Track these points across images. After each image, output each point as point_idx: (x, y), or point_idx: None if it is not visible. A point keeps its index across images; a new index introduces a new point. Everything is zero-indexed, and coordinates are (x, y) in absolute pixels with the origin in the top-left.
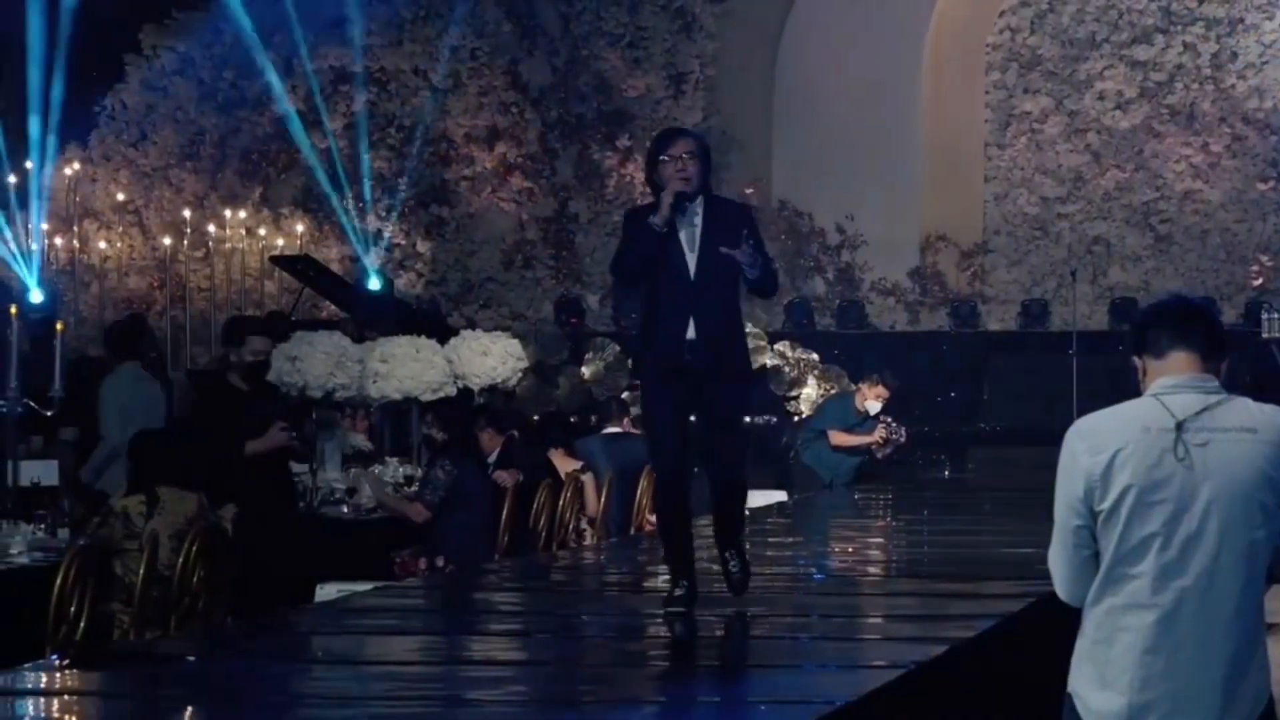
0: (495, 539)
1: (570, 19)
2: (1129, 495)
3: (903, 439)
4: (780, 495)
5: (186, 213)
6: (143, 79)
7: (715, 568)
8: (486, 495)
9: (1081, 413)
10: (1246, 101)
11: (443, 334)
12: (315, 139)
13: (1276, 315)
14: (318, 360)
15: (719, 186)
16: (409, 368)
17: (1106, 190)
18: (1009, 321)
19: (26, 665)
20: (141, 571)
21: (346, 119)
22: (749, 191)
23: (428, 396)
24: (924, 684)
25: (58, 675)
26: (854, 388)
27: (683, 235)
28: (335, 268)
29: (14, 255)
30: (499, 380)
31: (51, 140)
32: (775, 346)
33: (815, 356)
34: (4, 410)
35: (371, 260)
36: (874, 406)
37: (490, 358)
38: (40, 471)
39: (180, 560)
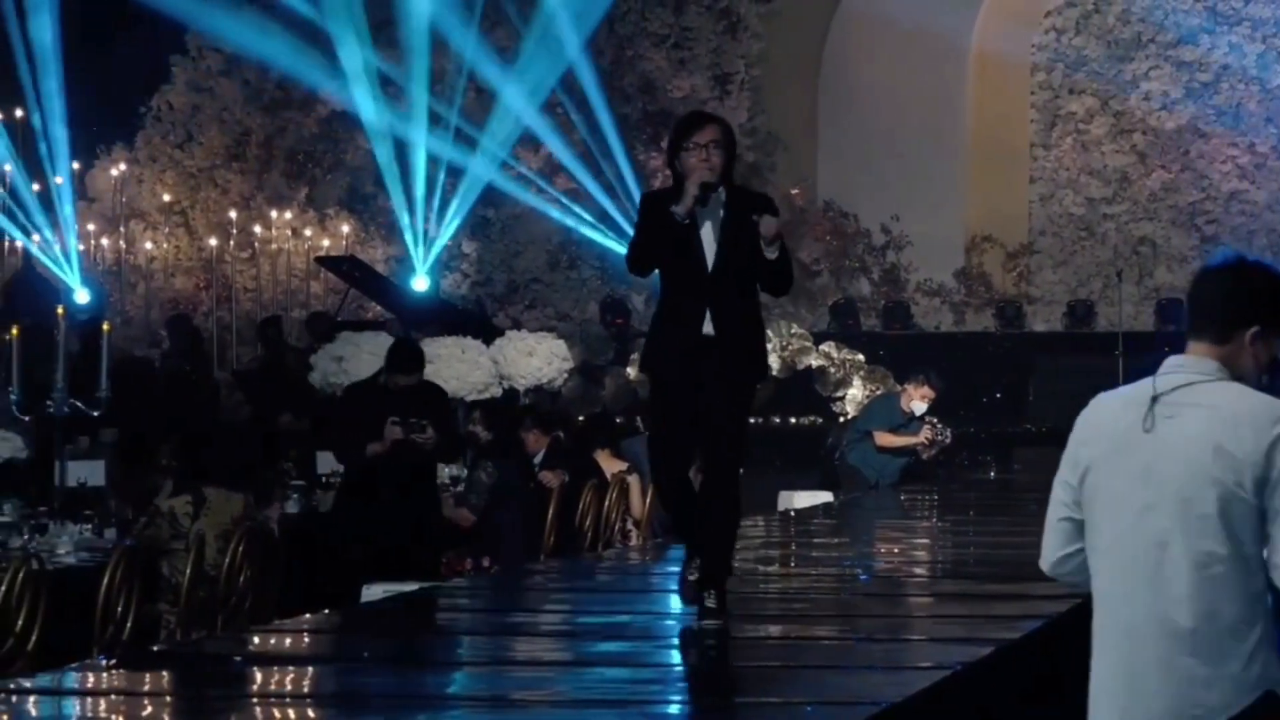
0: (541, 539)
1: (615, 19)
2: (1099, 464)
3: (948, 440)
4: (826, 496)
5: (232, 213)
6: (188, 80)
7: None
8: (531, 495)
9: None
10: None
11: (488, 334)
12: (361, 140)
13: None
14: (363, 361)
15: (764, 187)
16: (455, 368)
17: (1152, 191)
18: (1054, 322)
19: (73, 665)
20: (188, 572)
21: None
22: (794, 192)
23: (473, 397)
24: (969, 685)
25: (104, 675)
26: (900, 389)
27: (703, 226)
28: (380, 268)
29: (58, 257)
30: (544, 381)
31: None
32: (821, 347)
33: (861, 357)
34: (51, 411)
35: (421, 260)
36: (920, 407)
37: (536, 358)
38: (87, 472)
39: (227, 560)
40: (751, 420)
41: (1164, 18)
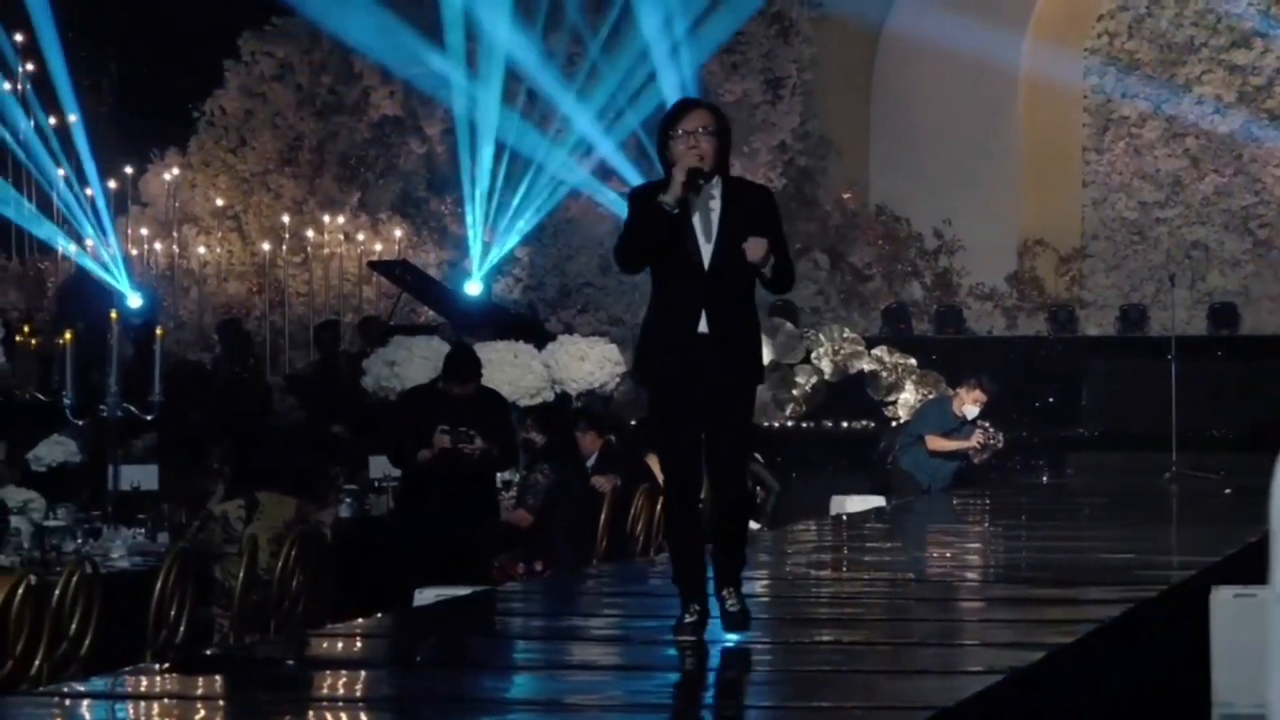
0: (593, 544)
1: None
2: None
3: (1000, 444)
4: (878, 500)
5: (285, 218)
6: (241, 84)
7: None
8: (585, 498)
9: (1180, 419)
10: None
11: (540, 339)
12: (413, 144)
13: None
14: (415, 365)
15: (815, 191)
16: (507, 372)
17: (1205, 195)
18: (1107, 327)
19: (126, 669)
20: (241, 576)
21: (444, 124)
22: (846, 196)
23: (526, 401)
24: (1021, 690)
25: (157, 679)
26: (952, 393)
27: (696, 220)
28: (433, 273)
29: (110, 261)
30: (596, 385)
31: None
32: (873, 351)
33: (913, 361)
34: (104, 415)
35: (473, 265)
36: (972, 411)
37: (588, 362)
38: (140, 476)
39: (279, 564)
40: (803, 425)
41: (1216, 21)
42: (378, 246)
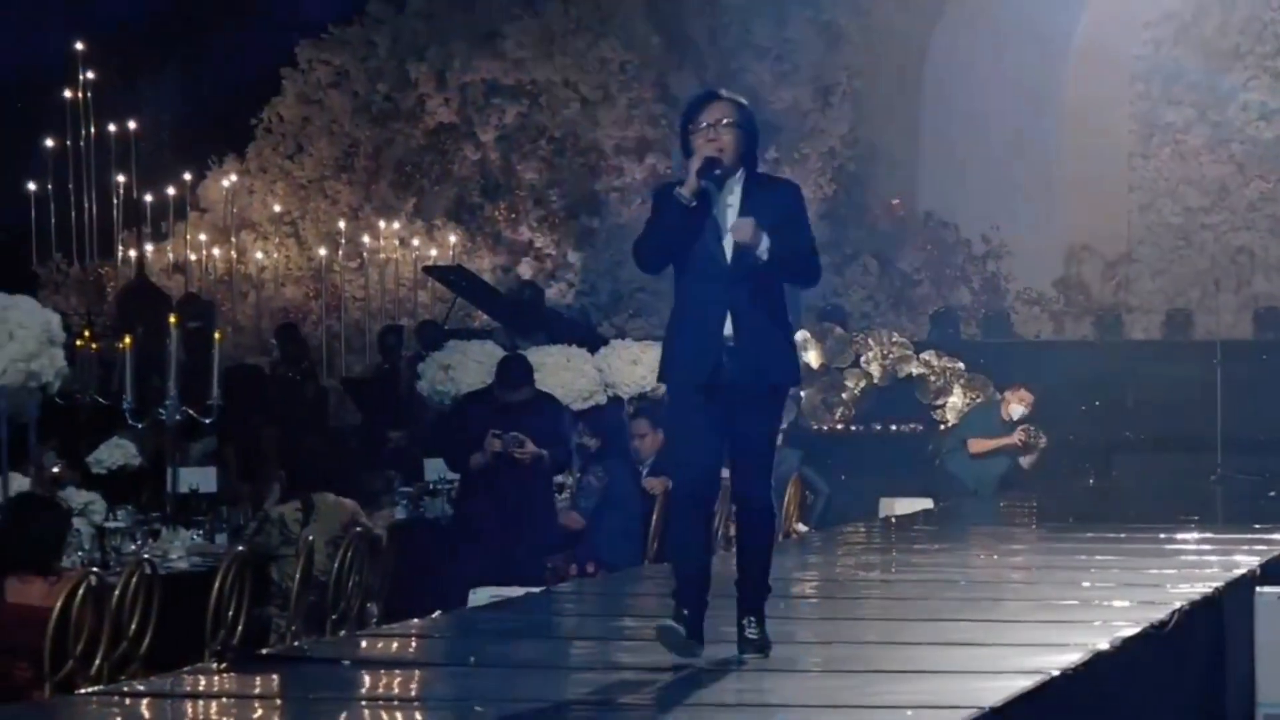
0: (645, 545)
1: (718, 32)
2: None
3: (1043, 442)
4: (926, 502)
5: (341, 224)
6: (298, 92)
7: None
8: (637, 501)
9: (1226, 421)
10: None
11: (593, 343)
12: (468, 150)
13: None
14: (470, 369)
15: (865, 197)
16: (560, 376)
17: (1250, 200)
18: (1153, 331)
19: (185, 668)
20: (298, 577)
21: (498, 130)
22: (895, 202)
23: (579, 405)
24: (1067, 690)
25: (215, 678)
26: (1000, 397)
27: (718, 217)
28: (487, 278)
29: (170, 267)
30: (649, 389)
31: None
32: (921, 355)
33: (961, 365)
34: (164, 418)
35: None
36: (1019, 412)
37: (640, 367)
38: (199, 478)
39: (335, 566)
40: (852, 428)
41: (1261, 29)
42: (432, 252)
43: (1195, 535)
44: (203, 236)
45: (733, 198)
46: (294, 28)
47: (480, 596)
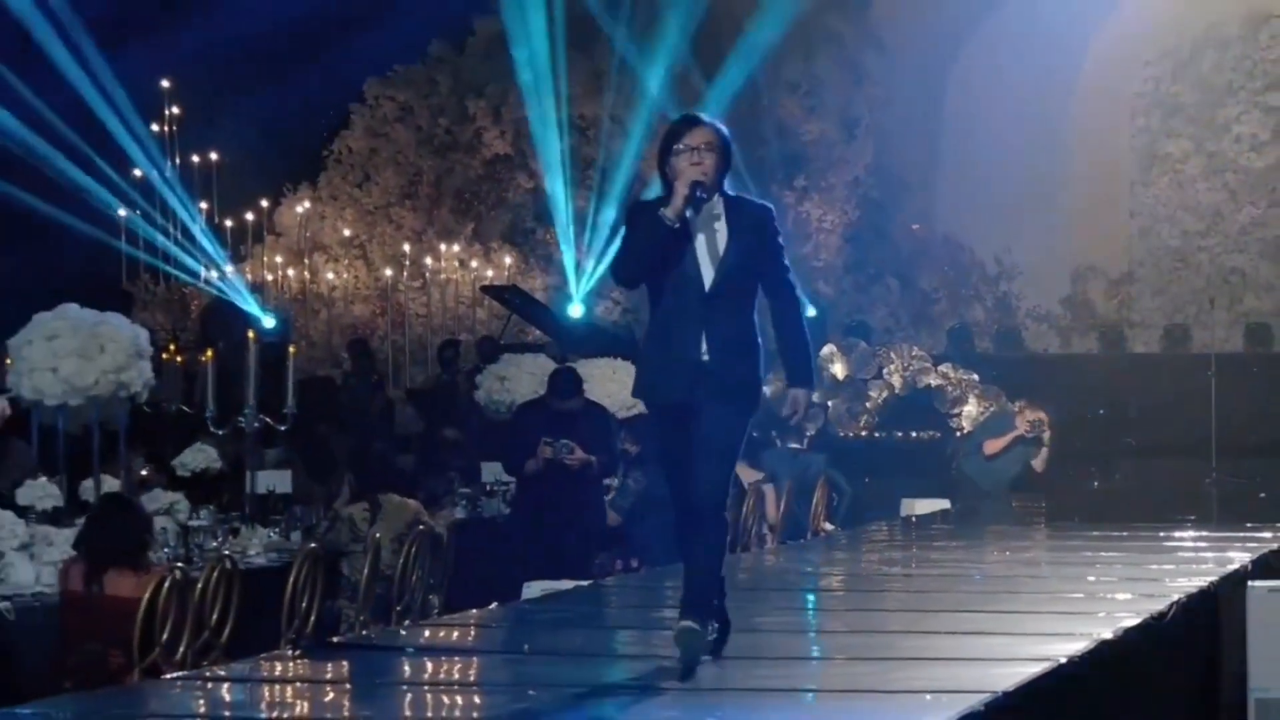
0: None
1: (755, 70)
2: None
3: (1045, 422)
4: (944, 503)
5: (406, 247)
6: (366, 126)
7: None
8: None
9: (1220, 428)
10: None
11: (636, 357)
12: (521, 180)
13: None
14: (523, 380)
15: (888, 224)
16: (606, 387)
17: (1242, 225)
18: (1153, 345)
19: (263, 656)
20: (366, 572)
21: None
22: (915, 228)
23: (623, 414)
24: (1073, 676)
25: (291, 665)
26: (1014, 407)
27: (697, 239)
28: (540, 296)
29: (247, 288)
30: None
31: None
32: (939, 368)
33: (975, 377)
34: (243, 425)
35: (576, 289)
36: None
37: None
38: (275, 480)
39: (400, 562)
40: (875, 435)
41: (1253, 66)
42: (489, 272)
43: (1192, 534)
44: (279, 258)
45: (716, 223)
46: (362, 67)
47: (533, 590)
